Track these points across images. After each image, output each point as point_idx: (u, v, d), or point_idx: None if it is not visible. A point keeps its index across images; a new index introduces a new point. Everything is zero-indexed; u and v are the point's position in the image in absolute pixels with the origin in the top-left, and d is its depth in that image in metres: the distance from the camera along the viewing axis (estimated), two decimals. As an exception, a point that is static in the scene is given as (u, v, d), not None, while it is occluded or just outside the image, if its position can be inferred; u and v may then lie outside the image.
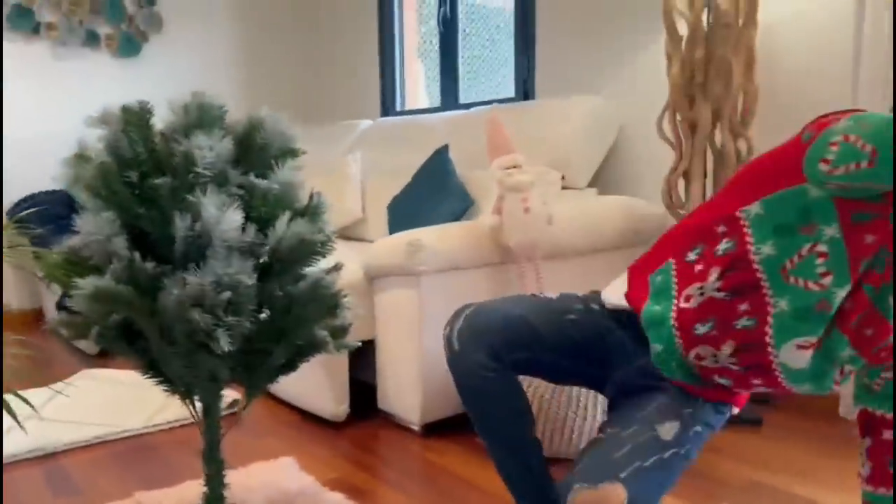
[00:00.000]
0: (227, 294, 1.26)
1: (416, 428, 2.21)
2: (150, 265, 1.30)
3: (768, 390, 1.23)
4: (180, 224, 1.28)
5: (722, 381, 1.24)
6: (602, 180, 2.85)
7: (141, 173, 1.34)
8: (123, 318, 1.39)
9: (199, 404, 1.48)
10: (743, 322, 1.16)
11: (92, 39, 3.91)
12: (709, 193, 2.28)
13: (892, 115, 1.03)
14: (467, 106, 3.50)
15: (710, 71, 2.17)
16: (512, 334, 1.31)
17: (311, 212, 1.40)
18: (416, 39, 4.26)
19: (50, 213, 3.28)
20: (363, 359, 2.36)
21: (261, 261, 1.34)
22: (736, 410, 1.36)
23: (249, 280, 1.28)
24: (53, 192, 3.53)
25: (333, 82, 4.58)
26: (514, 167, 2.15)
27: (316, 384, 2.28)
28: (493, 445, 1.38)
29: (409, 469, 1.99)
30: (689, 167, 2.25)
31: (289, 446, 2.14)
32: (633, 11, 2.76)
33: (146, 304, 1.29)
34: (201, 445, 1.49)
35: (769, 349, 1.15)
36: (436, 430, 2.19)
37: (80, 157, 1.40)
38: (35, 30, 3.76)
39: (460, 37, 3.69)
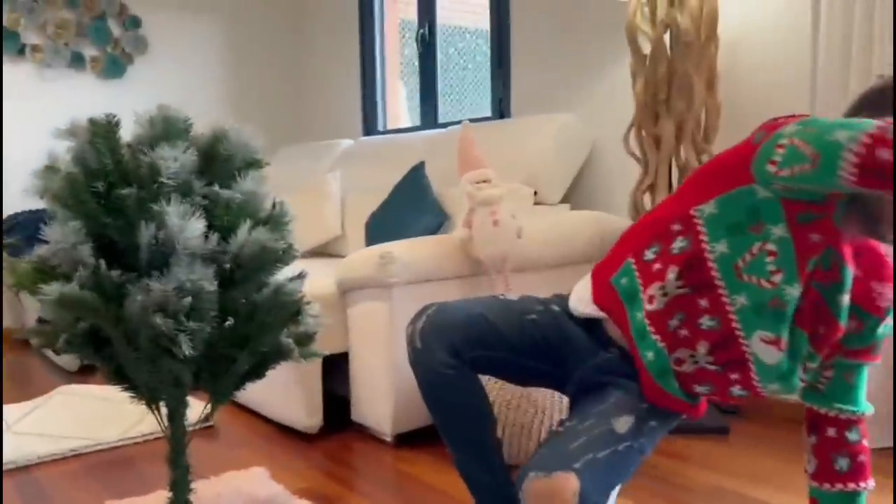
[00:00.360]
0: (188, 300, 1.29)
1: (388, 439, 2.23)
2: (115, 273, 1.34)
3: (744, 393, 1.25)
4: (145, 233, 1.32)
5: (701, 388, 1.26)
6: (575, 196, 2.91)
7: (108, 184, 1.38)
8: (90, 325, 1.43)
9: (165, 411, 1.51)
10: (706, 322, 1.19)
11: (77, 61, 3.97)
12: (675, 207, 2.33)
13: (837, 119, 1.06)
14: (446, 125, 3.56)
15: (673, 88, 2.24)
16: (472, 332, 1.33)
17: (274, 220, 1.44)
18: (397, 62, 4.34)
19: (32, 231, 3.31)
20: (337, 372, 2.40)
21: (224, 268, 1.38)
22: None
23: (211, 286, 1.32)
24: (38, 210, 3.57)
25: (317, 103, 4.65)
26: (484, 181, 2.20)
27: (289, 397, 2.30)
28: (453, 443, 1.39)
29: (380, 478, 2.02)
30: (655, 182, 2.31)
31: (261, 457, 2.16)
32: (602, 31, 2.84)
33: (111, 310, 1.33)
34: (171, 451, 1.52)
35: (741, 340, 1.19)
36: (408, 440, 2.22)
37: (50, 169, 1.45)
38: (20, 52, 3.82)
39: (439, 57, 3.76)
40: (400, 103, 4.36)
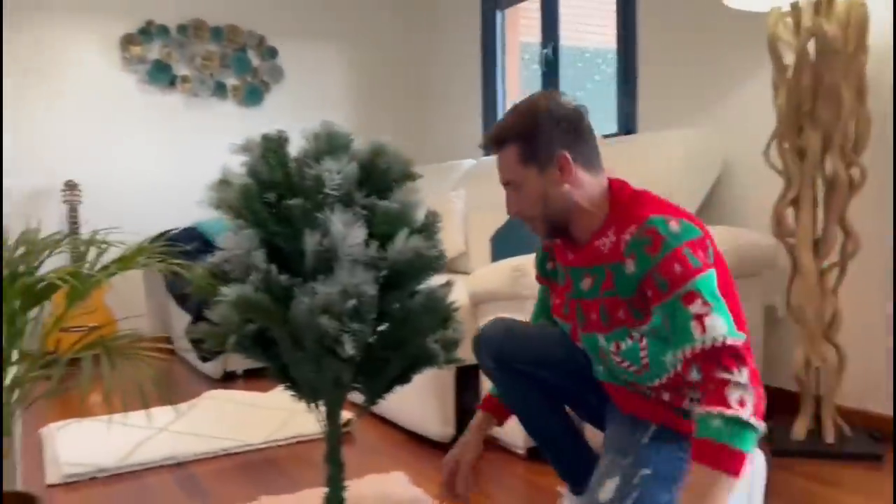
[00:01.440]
0: (352, 302, 1.37)
1: (520, 451, 2.25)
2: (283, 277, 1.44)
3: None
4: (310, 240, 1.42)
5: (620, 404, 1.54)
6: (707, 213, 2.84)
7: (277, 195, 1.49)
8: (258, 327, 1.53)
9: (321, 410, 1.59)
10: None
11: (220, 90, 4.27)
12: (819, 221, 2.24)
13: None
14: (569, 143, 3.57)
15: (819, 98, 2.16)
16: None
17: (427, 229, 1.51)
18: (517, 83, 4.40)
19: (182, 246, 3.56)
20: (469, 385, 2.44)
21: (381, 274, 1.46)
22: None
23: (372, 290, 1.40)
24: (186, 229, 3.84)
25: (439, 125, 4.77)
26: (618, 195, 2.20)
27: (424, 406, 2.36)
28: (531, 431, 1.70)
29: (512, 487, 2.04)
30: (799, 195, 2.23)
31: (399, 463, 2.22)
32: (736, 43, 2.78)
33: (280, 311, 1.43)
34: (323, 451, 1.60)
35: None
36: (540, 454, 2.22)
37: (223, 182, 1.58)
38: (171, 83, 4.15)
39: (561, 77, 3.79)
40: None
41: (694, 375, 1.23)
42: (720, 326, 1.21)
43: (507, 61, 4.29)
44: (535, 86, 4.16)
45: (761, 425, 1.18)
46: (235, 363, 3.44)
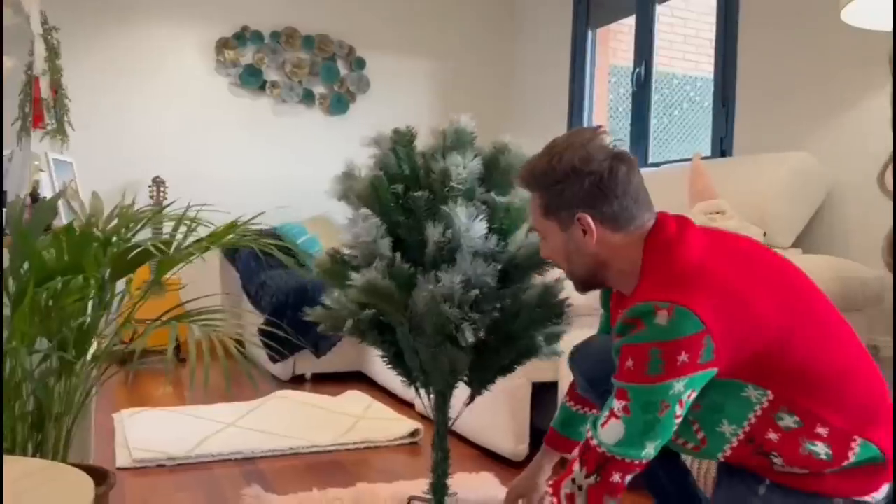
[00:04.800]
0: (475, 292, 1.37)
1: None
2: (406, 265, 1.45)
3: None
4: (432, 231, 1.43)
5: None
6: (808, 241, 2.70)
7: (404, 187, 1.51)
8: (374, 313, 1.53)
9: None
10: None
11: (308, 98, 4.33)
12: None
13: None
14: (657, 165, 3.46)
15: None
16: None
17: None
18: (605, 107, 4.34)
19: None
20: (545, 402, 2.35)
21: (499, 267, 1.45)
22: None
23: (493, 281, 1.41)
24: (265, 231, 3.87)
25: (523, 145, 4.73)
26: (718, 213, 2.09)
27: (498, 423, 2.29)
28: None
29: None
30: (915, 226, 2.07)
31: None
32: (847, 64, 2.64)
33: (402, 298, 1.43)
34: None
35: None
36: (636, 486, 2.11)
37: (347, 175, 1.59)
38: (262, 87, 4.24)
39: (653, 99, 3.70)
40: (604, 146, 4.33)
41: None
42: (613, 436, 1.17)
43: (596, 84, 4.21)
44: (623, 109, 4.08)
45: None
46: (304, 366, 3.44)
